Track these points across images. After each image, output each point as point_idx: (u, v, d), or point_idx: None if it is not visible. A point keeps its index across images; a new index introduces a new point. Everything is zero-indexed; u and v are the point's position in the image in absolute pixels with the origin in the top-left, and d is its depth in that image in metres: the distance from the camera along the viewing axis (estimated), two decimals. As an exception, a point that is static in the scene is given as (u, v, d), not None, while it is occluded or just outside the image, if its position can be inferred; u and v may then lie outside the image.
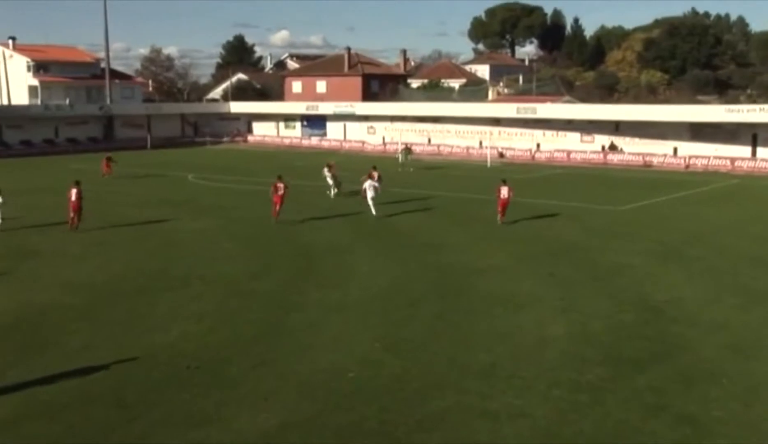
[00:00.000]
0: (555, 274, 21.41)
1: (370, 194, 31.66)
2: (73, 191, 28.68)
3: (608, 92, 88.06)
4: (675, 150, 56.46)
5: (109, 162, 47.66)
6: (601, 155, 58.55)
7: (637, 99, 79.90)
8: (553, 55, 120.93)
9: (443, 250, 24.80)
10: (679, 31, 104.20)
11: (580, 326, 16.69)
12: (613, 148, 59.19)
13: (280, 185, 30.12)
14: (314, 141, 75.33)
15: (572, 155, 59.37)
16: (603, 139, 59.99)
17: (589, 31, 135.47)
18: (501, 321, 17.11)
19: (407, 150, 55.22)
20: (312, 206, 34.51)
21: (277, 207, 30.04)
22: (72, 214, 28.47)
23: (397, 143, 62.45)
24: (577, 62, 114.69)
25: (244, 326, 16.81)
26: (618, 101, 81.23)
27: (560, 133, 62.12)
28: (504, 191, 29.94)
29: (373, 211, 31.08)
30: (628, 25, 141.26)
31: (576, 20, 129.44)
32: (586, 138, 60.91)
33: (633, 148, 57.95)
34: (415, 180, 44.76)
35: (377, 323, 16.94)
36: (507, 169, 53.10)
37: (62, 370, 14.00)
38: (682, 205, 35.61)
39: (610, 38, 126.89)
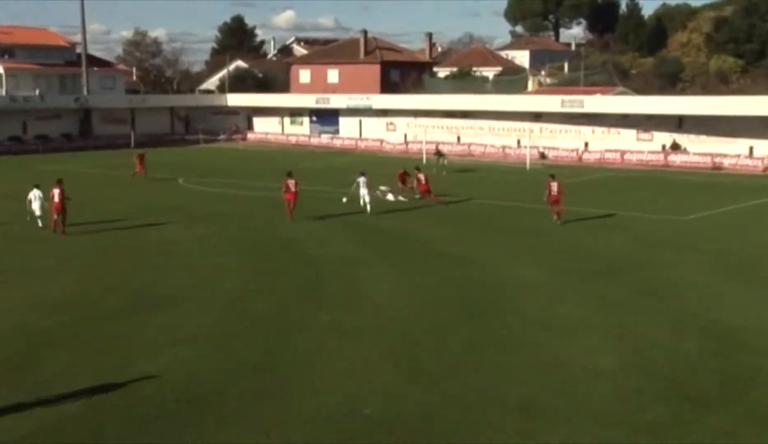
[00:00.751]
0: (606, 294, 21.37)
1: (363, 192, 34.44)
2: (56, 191, 30.29)
3: (670, 82, 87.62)
4: (750, 149, 56.08)
5: (143, 160, 48.57)
6: (662, 156, 58.31)
7: (705, 89, 79.44)
8: (605, 39, 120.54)
9: (475, 265, 24.82)
10: (757, 8, 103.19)
11: (636, 356, 16.65)
12: (675, 147, 58.94)
13: (291, 182, 32.77)
14: (324, 139, 75.63)
15: (627, 156, 59.18)
16: (663, 137, 59.75)
17: (648, 9, 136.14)
18: (542, 349, 17.10)
19: (439, 154, 54.90)
20: (322, 214, 34.61)
21: (291, 205, 32.66)
22: (55, 216, 30.05)
23: (420, 142, 62.54)
24: (634, 46, 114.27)
25: (242, 352, 16.91)
26: (682, 92, 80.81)
27: (612, 130, 61.89)
28: (554, 187, 32.12)
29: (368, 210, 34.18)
30: (696, 2, 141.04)
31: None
32: (644, 136, 60.68)
33: (699, 148, 57.65)
34: (442, 184, 44.75)
35: (397, 350, 16.99)
36: (549, 172, 52.97)
37: (31, 403, 14.12)
38: (758, 215, 35.39)
39: (672, 17, 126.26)
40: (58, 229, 30.05)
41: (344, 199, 37.27)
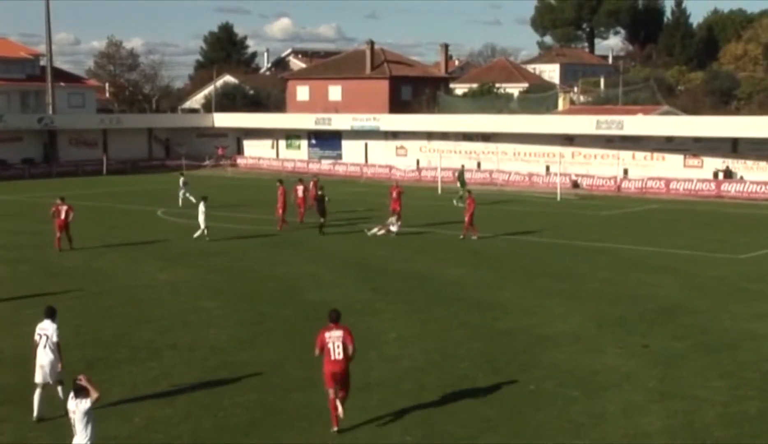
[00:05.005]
0: (650, 345, 21.34)
1: None
2: (63, 208, 34.99)
3: (723, 100, 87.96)
4: (815, 178, 56.14)
5: (317, 187, 44.30)
6: (713, 185, 58.34)
7: (764, 108, 79.70)
8: (647, 50, 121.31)
9: (498, 311, 24.82)
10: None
11: (684, 417, 16.58)
12: (729, 175, 58.99)
13: (300, 187, 41.75)
14: (325, 165, 75.89)
15: (672, 185, 59.21)
16: (715, 163, 59.80)
17: (697, 16, 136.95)
18: (577, 408, 17.05)
19: (462, 175, 55.18)
20: (323, 252, 34.69)
21: (301, 209, 41.28)
22: (59, 234, 34.80)
23: (435, 168, 62.73)
24: (680, 59, 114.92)
25: (230, 411, 16.89)
26: (737, 112, 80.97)
27: (656, 155, 62.01)
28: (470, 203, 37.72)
29: None
30: (752, 9, 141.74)
31: (678, 3, 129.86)
32: (692, 161, 60.74)
33: (757, 176, 57.68)
34: (459, 216, 44.80)
35: (408, 409, 16.95)
36: (583, 204, 53.14)
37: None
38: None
39: (725, 26, 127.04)
40: (60, 246, 34.59)
41: (369, 232, 37.92)
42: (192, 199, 49.01)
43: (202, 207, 37.31)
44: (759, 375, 19.08)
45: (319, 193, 39.89)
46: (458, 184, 53.58)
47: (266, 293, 27.49)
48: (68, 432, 15.76)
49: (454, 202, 50.43)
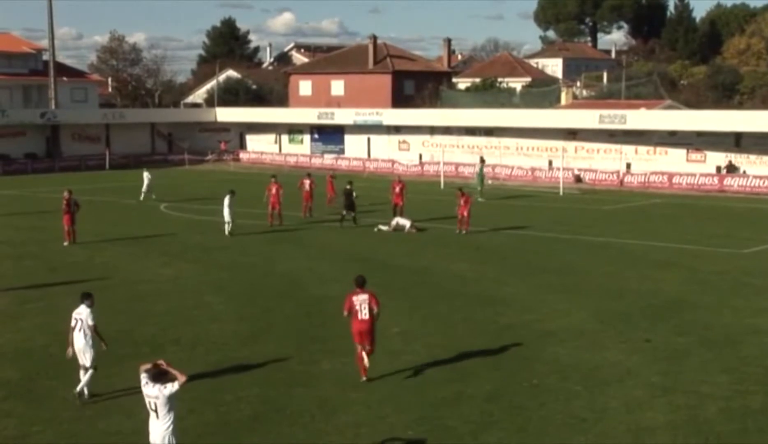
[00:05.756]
0: (653, 340, 21.33)
1: None
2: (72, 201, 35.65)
3: (726, 94, 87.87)
4: (818, 172, 56.08)
5: (333, 181, 48.49)
6: (716, 179, 58.27)
7: (767, 103, 79.64)
8: (650, 45, 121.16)
9: (500, 307, 24.84)
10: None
11: (687, 411, 16.60)
12: (732, 169, 58.92)
13: (307, 181, 42.50)
14: (328, 159, 75.88)
15: (675, 179, 59.16)
16: (718, 158, 59.74)
17: (700, 11, 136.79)
18: (579, 403, 17.07)
19: (481, 170, 55.04)
20: (325, 248, 34.68)
21: (305, 204, 42.48)
22: (67, 227, 35.28)
23: (438, 163, 62.72)
24: (683, 54, 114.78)
25: (233, 406, 16.91)
26: (740, 106, 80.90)
27: (659, 149, 61.95)
28: (461, 201, 37.69)
29: None
30: (755, 3, 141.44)
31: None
32: (695, 156, 60.69)
33: (761, 170, 57.61)
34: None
35: (411, 404, 16.98)
36: (586, 198, 53.13)
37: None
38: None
39: (728, 21, 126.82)
40: (70, 240, 35.11)
41: (380, 228, 38.51)
42: (142, 194, 51.15)
43: (227, 201, 37.17)
44: (762, 370, 19.09)
45: (347, 187, 40.05)
46: (478, 180, 53.23)
47: (269, 288, 27.52)
48: (71, 429, 15.84)
49: (479, 199, 49.47)
